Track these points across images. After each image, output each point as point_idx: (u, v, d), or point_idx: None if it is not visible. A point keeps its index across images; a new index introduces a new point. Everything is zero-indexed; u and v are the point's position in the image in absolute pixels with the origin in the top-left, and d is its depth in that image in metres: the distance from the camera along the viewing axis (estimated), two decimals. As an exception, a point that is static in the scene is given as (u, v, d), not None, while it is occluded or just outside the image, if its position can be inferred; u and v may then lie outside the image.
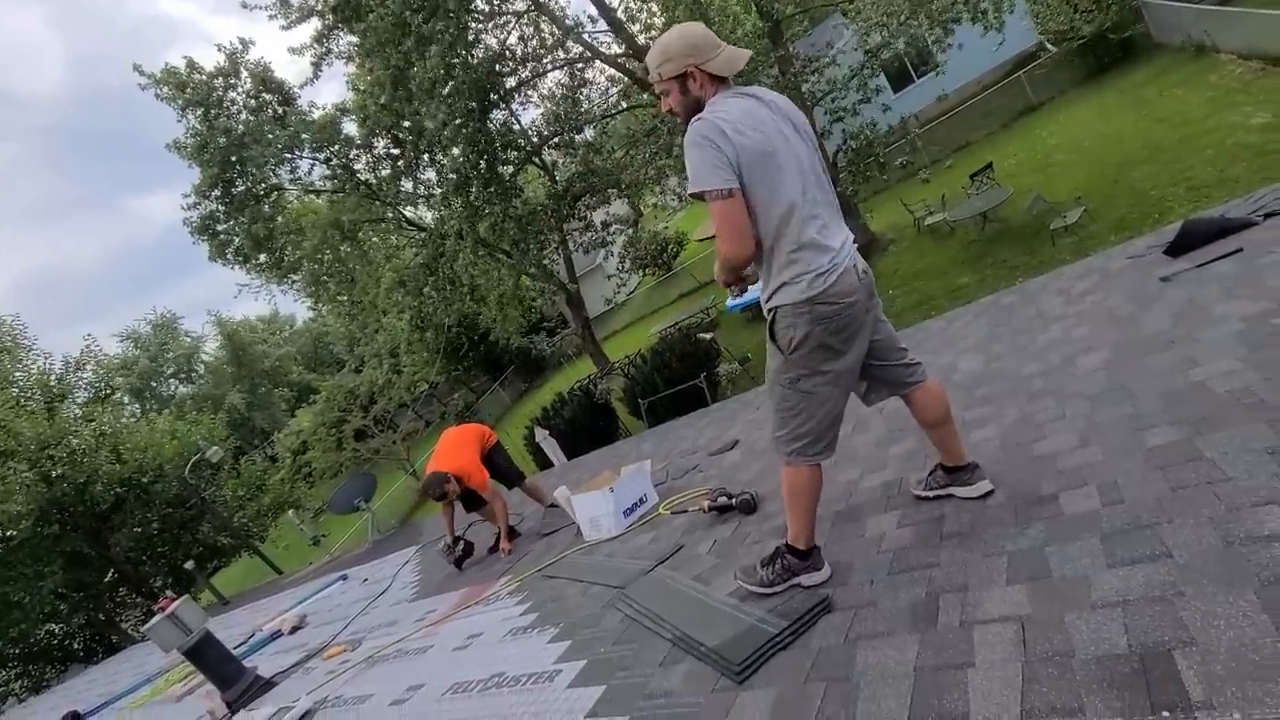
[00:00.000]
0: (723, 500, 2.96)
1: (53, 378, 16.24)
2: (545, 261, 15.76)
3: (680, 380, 11.79)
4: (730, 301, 17.81)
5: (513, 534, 4.85)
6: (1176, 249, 3.34)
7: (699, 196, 1.72)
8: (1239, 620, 1.08)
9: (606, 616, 2.48)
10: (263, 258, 14.78)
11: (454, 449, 4.68)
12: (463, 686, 2.47)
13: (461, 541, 4.72)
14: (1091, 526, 1.53)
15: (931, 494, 2.09)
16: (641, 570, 2.75)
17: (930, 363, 3.68)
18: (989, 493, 1.94)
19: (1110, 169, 11.68)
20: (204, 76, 12.68)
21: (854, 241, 1.88)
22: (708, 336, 13.45)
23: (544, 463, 12.10)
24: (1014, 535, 1.66)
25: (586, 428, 13.21)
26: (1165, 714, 0.98)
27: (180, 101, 12.47)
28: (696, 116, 1.73)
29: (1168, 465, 1.63)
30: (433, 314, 15.82)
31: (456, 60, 10.01)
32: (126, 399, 34.03)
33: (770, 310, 1.85)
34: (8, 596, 13.31)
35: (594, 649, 2.24)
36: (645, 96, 12.50)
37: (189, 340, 42.36)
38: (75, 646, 15.65)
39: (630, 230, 19.25)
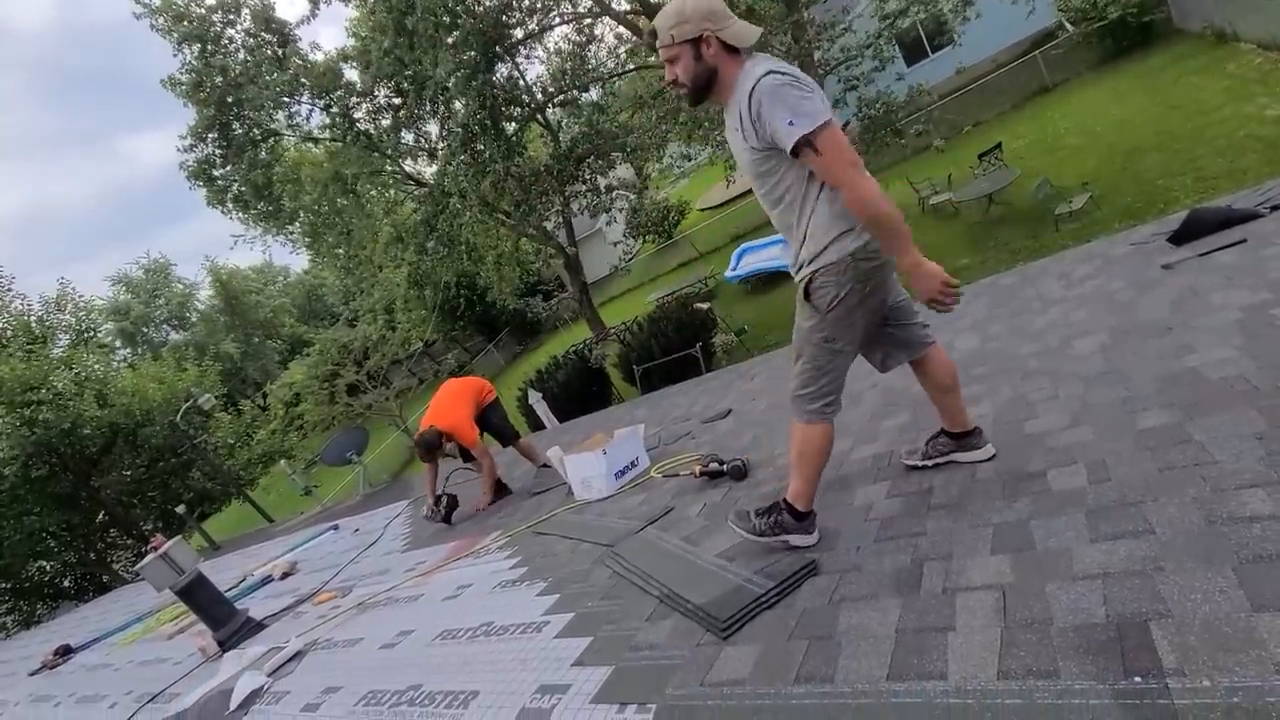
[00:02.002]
0: (714, 466, 2.99)
1: (33, 320, 16.10)
2: (545, 223, 15.59)
3: (676, 349, 11.80)
4: (729, 272, 17.76)
5: (503, 491, 4.91)
6: (1180, 237, 3.33)
7: (808, 140, 1.58)
8: (1215, 595, 1.11)
9: (595, 573, 2.52)
10: (260, 205, 14.52)
11: (449, 404, 4.70)
12: (452, 634, 2.53)
13: (445, 497, 4.79)
14: (1077, 503, 1.56)
15: (932, 463, 2.10)
16: (631, 530, 2.79)
17: (927, 340, 3.70)
18: (993, 456, 1.99)
19: (1120, 155, 11.56)
20: (203, 10, 12.27)
21: None
22: (705, 306, 13.41)
23: (536, 424, 12.17)
24: (1000, 509, 1.69)
25: (580, 392, 13.26)
26: (1137, 679, 1.02)
27: (176, 35, 12.08)
28: (762, 73, 1.63)
29: (1157, 447, 1.65)
30: (431, 271, 15.69)
31: (461, 7, 9.72)
32: (118, 343, 33.84)
33: (808, 272, 1.81)
34: (-2, 534, 13.44)
35: (582, 603, 2.29)
36: (653, 58, 12.21)
37: (182, 287, 41.94)
38: (66, 584, 15.87)
39: (635, 196, 18.97)
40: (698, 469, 3.07)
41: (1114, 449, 1.73)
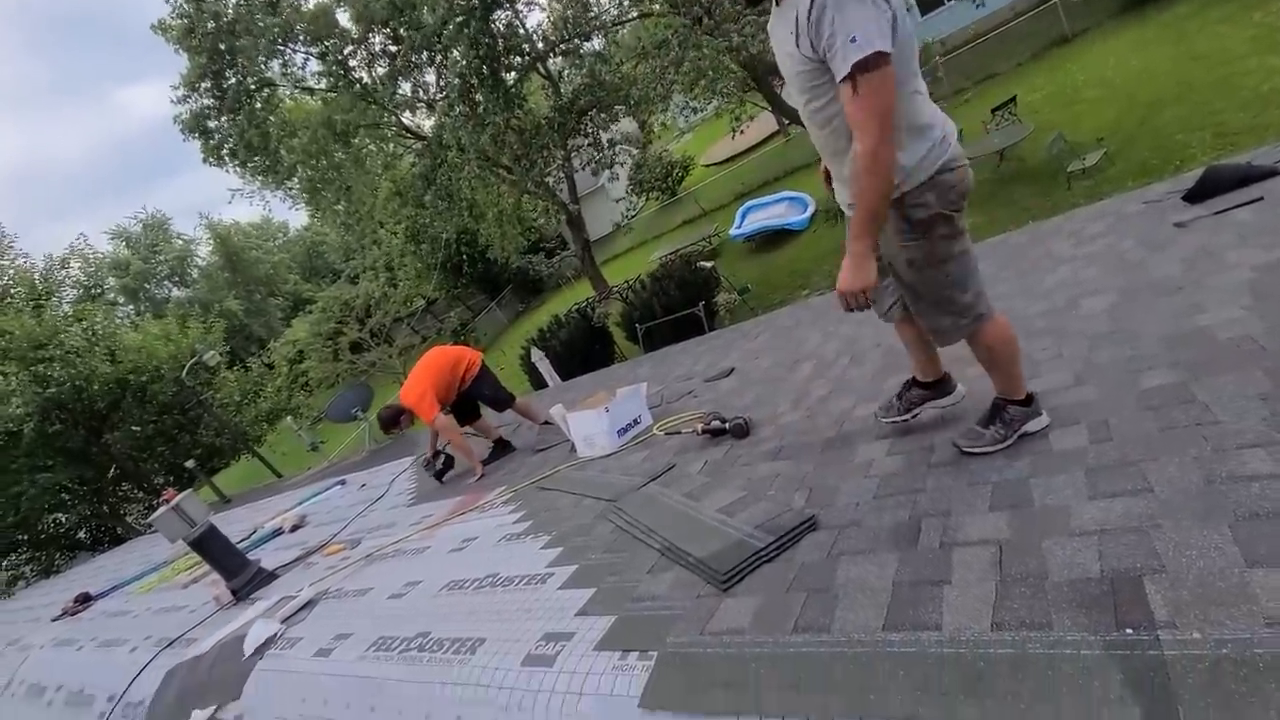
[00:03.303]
0: (716, 424, 3.01)
1: (36, 275, 16.06)
2: (547, 179, 15.32)
3: (679, 308, 11.75)
4: (733, 230, 17.54)
5: (507, 448, 4.96)
6: (1195, 195, 3.26)
7: (860, 67, 1.43)
8: (1210, 551, 1.13)
9: (598, 527, 2.57)
10: (258, 159, 14.28)
11: (414, 381, 4.66)
12: (459, 584, 2.59)
13: (441, 456, 4.87)
14: (1078, 461, 1.57)
15: (908, 415, 2.13)
16: (633, 486, 2.83)
17: (933, 299, 3.67)
18: (963, 397, 2.08)
19: (1138, 109, 11.24)
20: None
21: None
22: (708, 265, 13.29)
23: (539, 382, 12.23)
24: (1000, 467, 1.70)
25: (582, 350, 13.28)
26: (1129, 631, 1.04)
27: (166, -25, 11.69)
28: None
29: (1160, 406, 1.65)
30: (429, 226, 15.51)
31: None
32: (121, 299, 33.83)
33: (892, 202, 1.66)
34: (9, 486, 13.72)
35: (585, 555, 2.34)
36: (657, 6, 11.77)
37: (181, 243, 41.66)
38: (82, 536, 16.28)
39: (638, 151, 18.58)
40: (700, 427, 3.09)
41: (1117, 408, 1.73)
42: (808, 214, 16.22)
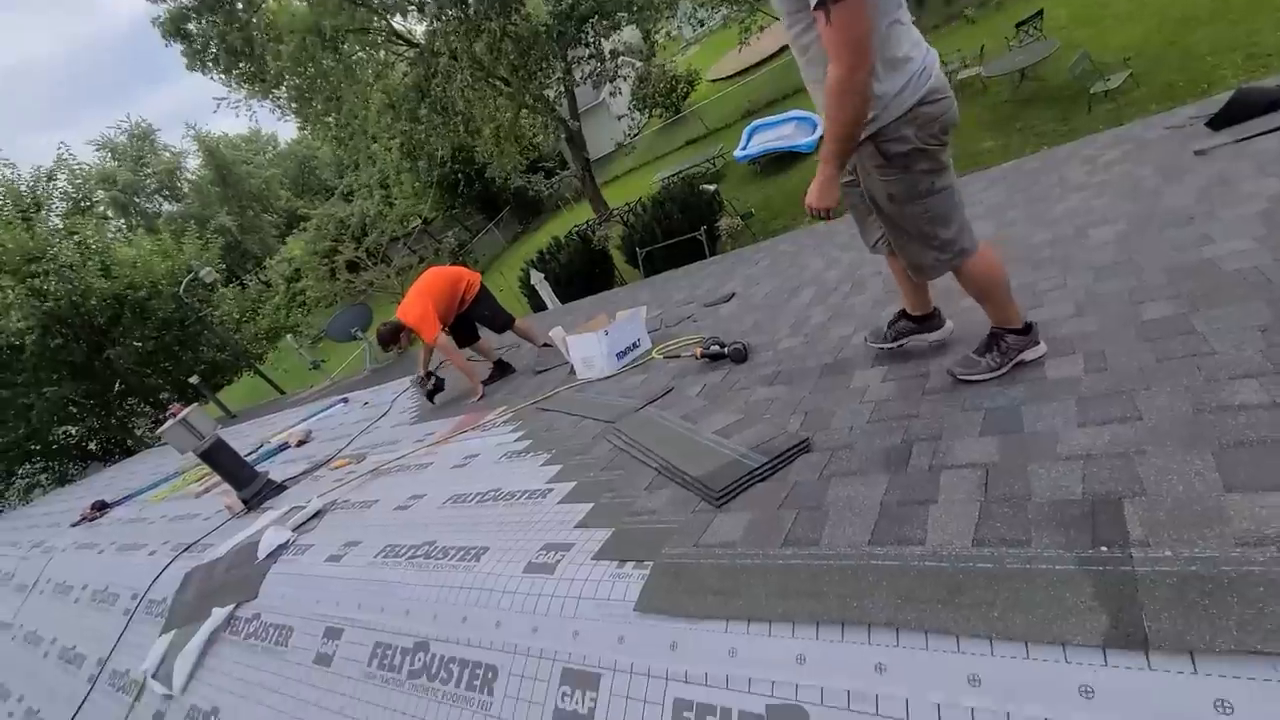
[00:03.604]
0: (715, 348, 3.03)
1: (23, 186, 15.62)
2: (546, 92, 14.66)
3: (680, 232, 11.56)
4: (738, 151, 16.97)
5: (506, 369, 5.01)
6: (1220, 121, 3.14)
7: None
8: (1191, 477, 1.16)
9: (596, 446, 2.63)
10: (243, 65, 13.59)
11: (415, 298, 4.64)
12: (462, 498, 2.69)
13: (433, 377, 4.91)
14: (1070, 390, 1.59)
15: (892, 344, 2.21)
16: (632, 408, 2.88)
17: (939, 226, 3.61)
18: (950, 333, 2.15)
19: (1168, 26, 10.64)
20: None
21: None
22: (712, 188, 12.96)
23: (538, 304, 12.20)
24: (994, 395, 1.73)
25: (582, 273, 13.16)
26: (1104, 549, 1.09)
27: None
28: None
29: (1158, 338, 1.66)
30: (425, 141, 14.99)
31: None
32: (110, 213, 33.11)
33: (868, 133, 1.68)
34: (17, 400, 13.93)
35: (584, 473, 2.41)
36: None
37: (169, 155, 40.30)
38: (92, 447, 16.68)
39: (642, 64, 17.66)
40: (698, 351, 3.11)
41: (1115, 339, 1.74)
42: (816, 135, 15.64)
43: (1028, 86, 11.51)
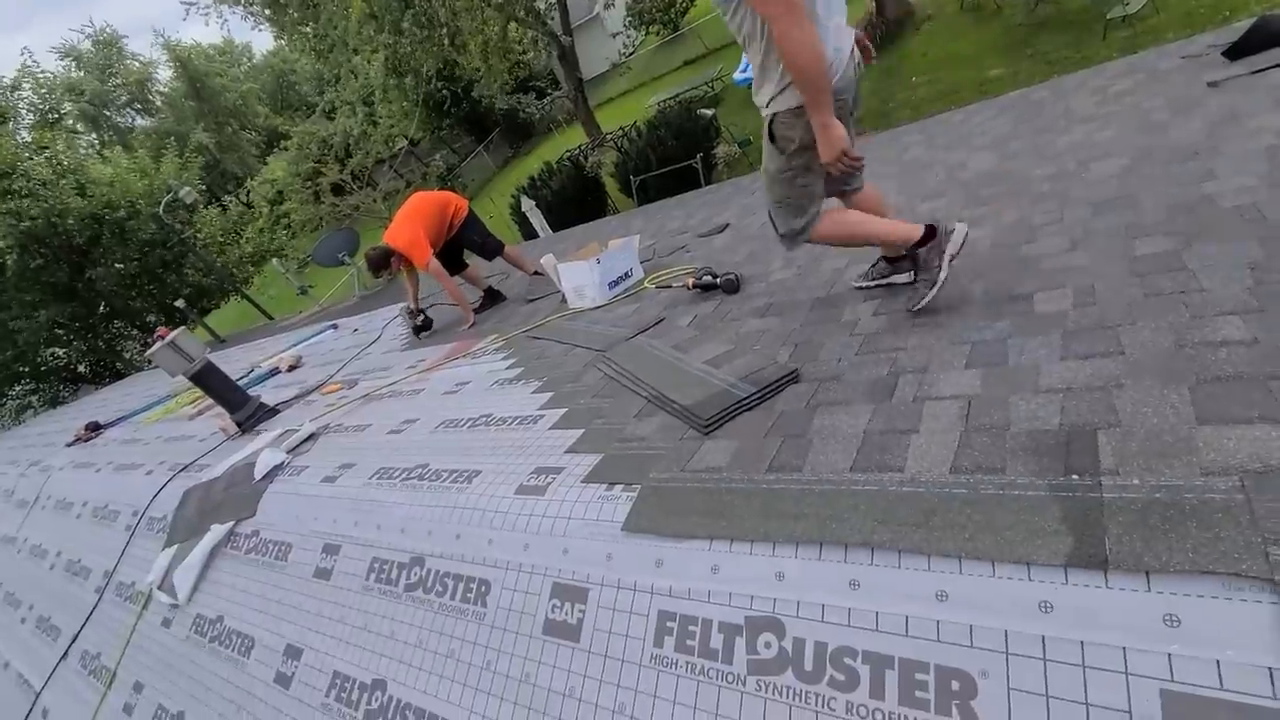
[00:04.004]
0: (707, 279, 3.01)
1: (-15, 99, 14.83)
2: (538, 3, 13.84)
3: (675, 159, 11.24)
4: (739, 74, 16.26)
5: (497, 297, 4.97)
6: (1237, 51, 3.03)
7: None
8: (1165, 410, 1.20)
9: (587, 374, 2.65)
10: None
11: (404, 222, 4.53)
12: (453, 423, 2.73)
13: (422, 314, 4.86)
14: (1056, 324, 1.61)
15: (872, 284, 2.29)
16: (623, 336, 2.89)
17: (940, 159, 3.53)
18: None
19: (1198, -53, 10.04)
20: None
21: (861, 25, 1.74)
22: (709, 113, 12.50)
23: (530, 232, 11.98)
24: (981, 328, 1.74)
25: (574, 200, 12.86)
26: (1074, 477, 1.13)
27: None
28: None
29: (1148, 273, 1.66)
30: (410, 56, 14.24)
31: None
32: (80, 127, 31.61)
33: (769, 114, 1.91)
34: (3, 323, 13.75)
35: (574, 400, 2.44)
36: None
37: (138, 65, 38.10)
38: (83, 370, 16.64)
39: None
40: (691, 281, 3.09)
41: (1105, 274, 1.74)
42: (820, 58, 14.98)
43: (1043, 9, 10.97)
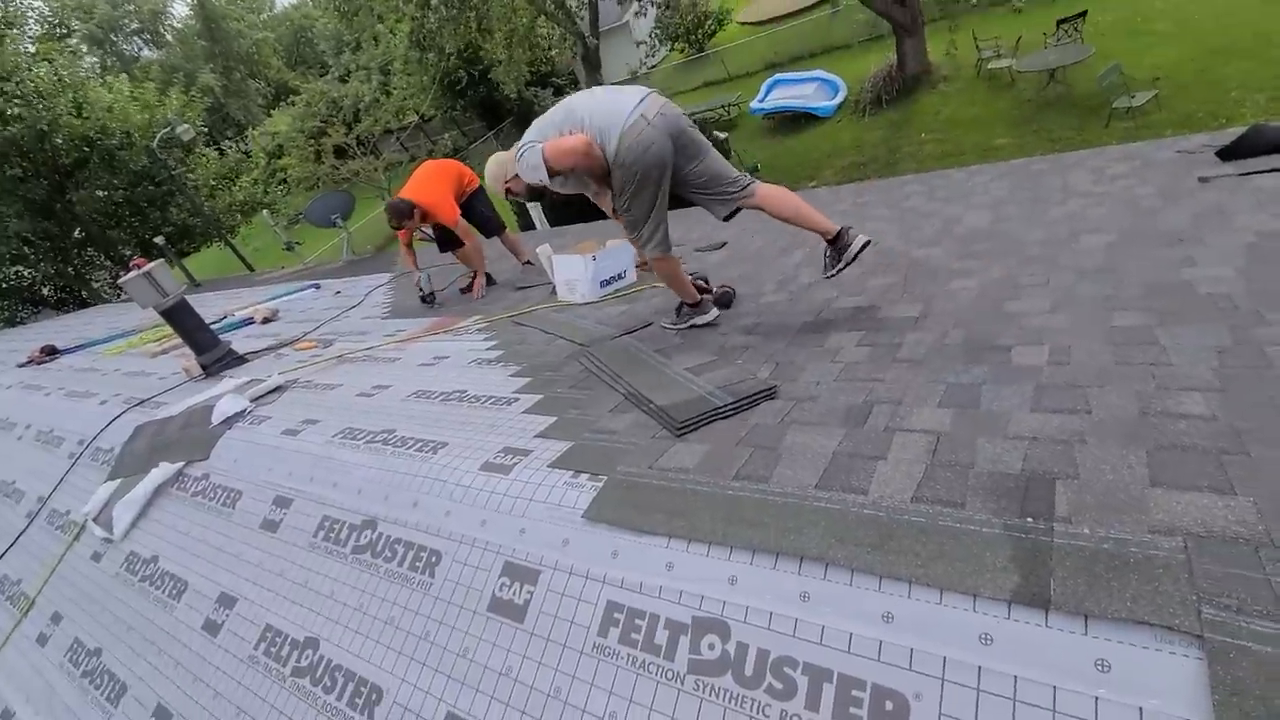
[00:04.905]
0: (700, 283, 3.03)
1: (-3, 1, 14.37)
2: (569, 1, 13.92)
3: (682, 174, 11.29)
4: (755, 103, 16.52)
5: (489, 281, 4.94)
6: (1229, 153, 3.17)
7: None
8: (1122, 469, 1.24)
9: (567, 366, 2.65)
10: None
11: (427, 182, 4.51)
12: (426, 394, 2.70)
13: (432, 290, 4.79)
14: (1031, 377, 1.66)
15: (836, 271, 2.53)
16: (608, 335, 2.89)
17: (938, 211, 3.62)
18: (869, 242, 2.46)
19: (1204, 55, 10.54)
20: None
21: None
22: (723, 136, 12.67)
23: (527, 224, 11.94)
24: (959, 371, 1.79)
25: (576, 200, 12.83)
26: (1029, 520, 1.16)
27: None
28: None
29: (1122, 343, 1.72)
30: (435, 34, 14.20)
31: None
32: (85, 47, 30.82)
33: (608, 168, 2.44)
34: (-30, 230, 13.28)
35: (551, 388, 2.44)
36: None
37: (153, -5, 37.36)
38: (46, 293, 16.10)
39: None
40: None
41: (1082, 338, 1.80)
42: (836, 100, 15.30)
43: (1054, 89, 11.36)
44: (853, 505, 1.32)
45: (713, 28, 24.95)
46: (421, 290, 4.66)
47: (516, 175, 2.67)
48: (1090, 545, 1.08)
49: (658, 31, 24.56)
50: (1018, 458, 1.35)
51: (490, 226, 4.98)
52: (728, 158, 11.26)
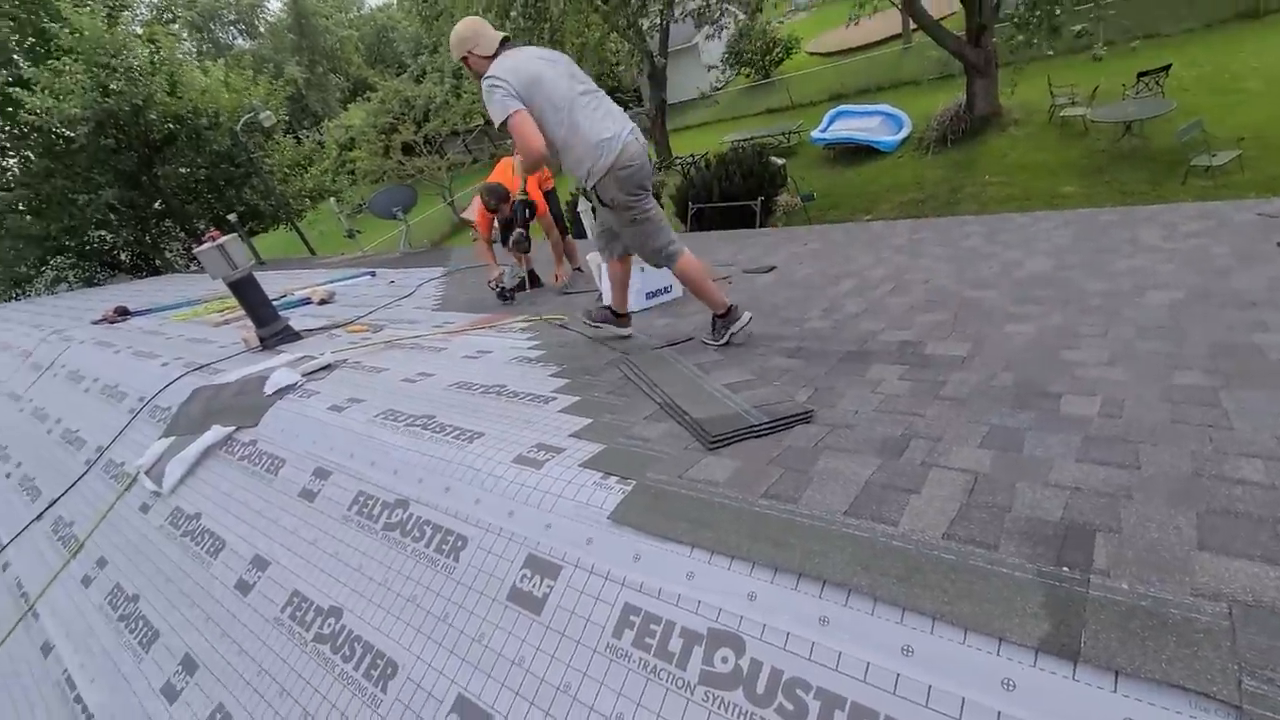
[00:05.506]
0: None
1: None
2: (642, 21, 14.20)
3: (737, 197, 11.37)
4: (817, 132, 16.48)
5: (535, 282, 5.05)
6: (1315, 219, 3.03)
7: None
8: (1169, 529, 1.20)
9: (607, 372, 2.69)
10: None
11: (518, 174, 4.67)
12: (467, 386, 2.77)
13: (525, 273, 4.87)
14: (1080, 428, 1.61)
15: (719, 341, 2.75)
16: (649, 345, 2.92)
17: (998, 254, 3.55)
18: (750, 319, 2.72)
19: (1296, 118, 10.06)
20: None
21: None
22: (780, 162, 12.66)
23: (580, 233, 12.14)
24: (1004, 414, 1.75)
25: (629, 214, 12.98)
26: (1065, 569, 1.13)
27: None
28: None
29: (1181, 402, 1.66)
30: (511, 41, 14.64)
31: None
32: (185, 33, 32.85)
33: (592, 184, 2.59)
34: (67, 192, 14.22)
35: (589, 391, 2.47)
36: None
37: (253, -11, 39.62)
38: (124, 258, 17.08)
39: (745, 17, 16.93)
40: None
41: (1138, 393, 1.74)
42: (899, 136, 15.15)
43: (1129, 141, 11.01)
44: (881, 535, 1.31)
45: (780, 55, 25.07)
46: (503, 284, 4.59)
47: (479, 57, 2.66)
48: (1128, 601, 1.04)
49: (727, 56, 24.81)
50: (1058, 505, 1.31)
51: (559, 226, 5.10)
52: (784, 183, 11.18)
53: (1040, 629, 1.04)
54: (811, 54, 25.85)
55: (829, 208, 13.28)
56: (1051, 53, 11.01)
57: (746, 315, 2.71)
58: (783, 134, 18.14)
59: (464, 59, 2.74)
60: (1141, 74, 11.65)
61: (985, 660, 1.04)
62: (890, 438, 1.72)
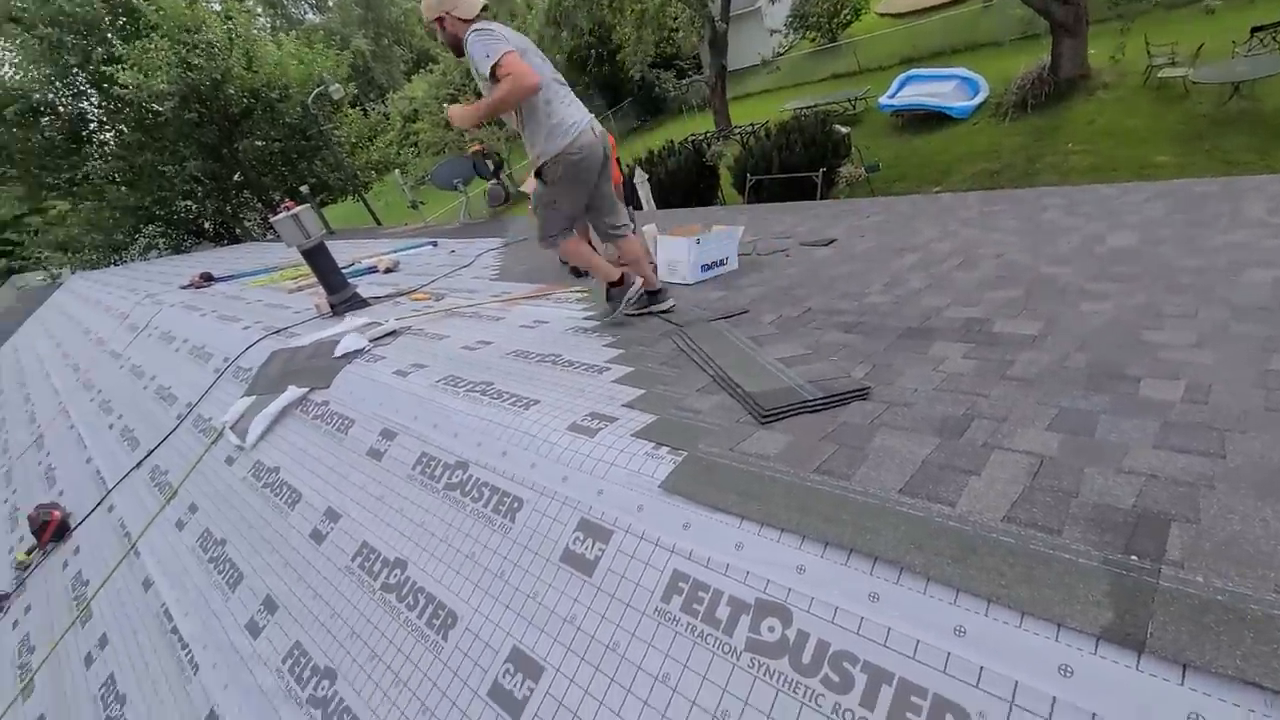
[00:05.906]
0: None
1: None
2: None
3: (798, 168, 11.05)
4: (884, 99, 15.75)
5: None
6: None
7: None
8: (1253, 521, 1.13)
9: (661, 344, 2.70)
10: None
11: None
12: (524, 354, 2.84)
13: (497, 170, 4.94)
14: (1159, 412, 1.52)
15: (637, 312, 2.95)
16: (704, 317, 2.91)
17: (1079, 228, 3.35)
18: (672, 307, 2.98)
19: None
20: None
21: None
22: (844, 130, 12.18)
23: (634, 204, 12.09)
24: (1076, 397, 1.67)
25: (685, 184, 12.87)
26: (1133, 558, 1.09)
27: None
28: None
29: (1278, 389, 1.54)
30: (571, 11, 14.56)
31: None
32: (260, 9, 34.03)
33: (540, 162, 2.71)
34: (156, 165, 15.13)
35: (643, 362, 2.49)
36: None
37: (323, -37, 40.51)
38: (207, 227, 18.13)
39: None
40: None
41: (1228, 379, 1.63)
42: (975, 101, 14.30)
43: (1236, 104, 10.05)
44: (937, 515, 1.28)
45: (849, 17, 23.90)
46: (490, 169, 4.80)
47: (456, 19, 2.57)
48: (1202, 594, 0.99)
49: (791, 19, 23.86)
50: (1130, 493, 1.25)
51: (622, 192, 5.12)
52: (848, 153, 10.80)
53: (1103, 617, 1.00)
54: (882, 15, 24.54)
55: (895, 179, 12.74)
56: (1155, 1, 10.09)
57: (638, 280, 2.93)
58: (848, 100, 17.41)
59: (438, 20, 2.59)
60: (1256, 28, 10.56)
61: (1042, 645, 1.02)
62: (951, 417, 1.67)
